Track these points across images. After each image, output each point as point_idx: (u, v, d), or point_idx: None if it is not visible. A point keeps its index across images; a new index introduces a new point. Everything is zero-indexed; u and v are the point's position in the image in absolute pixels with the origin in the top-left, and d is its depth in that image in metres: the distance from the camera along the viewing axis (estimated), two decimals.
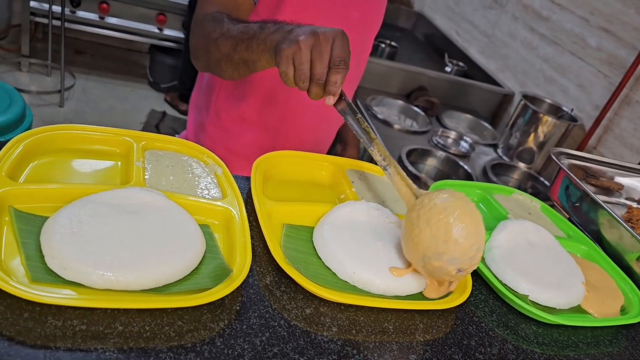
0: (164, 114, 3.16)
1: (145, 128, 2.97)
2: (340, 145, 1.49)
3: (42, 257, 0.55)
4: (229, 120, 1.13)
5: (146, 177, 0.69)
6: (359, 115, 0.72)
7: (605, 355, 0.70)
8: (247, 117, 1.12)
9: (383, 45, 2.38)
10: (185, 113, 3.17)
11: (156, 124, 3.03)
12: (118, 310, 0.53)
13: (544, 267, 0.76)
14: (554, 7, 2.10)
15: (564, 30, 2.05)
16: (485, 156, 1.93)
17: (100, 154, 0.73)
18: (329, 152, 1.91)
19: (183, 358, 0.51)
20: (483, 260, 0.77)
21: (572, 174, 0.91)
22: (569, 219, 0.94)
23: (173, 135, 0.80)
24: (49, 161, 0.69)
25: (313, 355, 0.55)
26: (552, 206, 1.02)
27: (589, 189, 1.03)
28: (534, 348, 0.66)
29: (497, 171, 1.86)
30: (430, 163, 1.86)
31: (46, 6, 2.83)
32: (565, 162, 1.03)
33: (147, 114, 3.11)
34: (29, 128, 2.00)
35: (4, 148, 0.65)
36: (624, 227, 0.81)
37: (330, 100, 0.71)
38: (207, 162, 0.76)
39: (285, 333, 0.57)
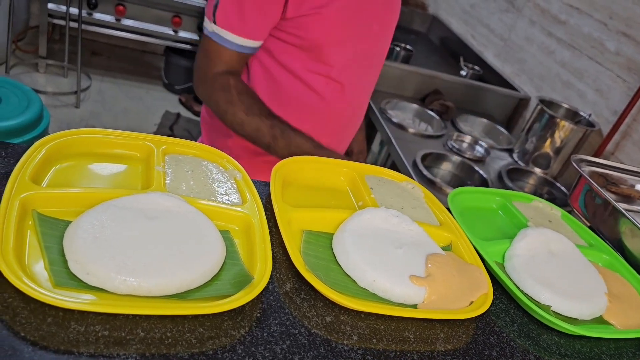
0: (178, 115, 3.18)
1: (160, 129, 2.99)
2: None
3: (65, 261, 0.55)
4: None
5: (167, 181, 0.70)
6: None
7: None
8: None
9: (398, 49, 2.38)
10: (199, 114, 3.19)
11: (170, 126, 3.05)
12: (140, 316, 0.53)
13: (566, 277, 0.75)
14: (572, 11, 2.08)
15: (581, 35, 2.02)
16: (501, 161, 1.92)
17: (120, 158, 0.73)
18: None
19: None
20: (503, 268, 0.76)
21: (593, 182, 0.90)
22: (590, 227, 0.93)
23: (187, 137, 0.81)
24: (71, 165, 0.69)
25: None
26: (570, 212, 1.01)
27: (610, 197, 1.01)
28: (556, 359, 0.65)
29: (512, 176, 1.84)
30: (445, 167, 1.85)
31: (64, 8, 2.87)
32: (585, 169, 1.02)
33: (162, 116, 3.13)
34: (46, 129, 2.03)
35: (27, 152, 0.65)
36: None
37: None
38: (226, 167, 0.76)
39: (305, 341, 0.56)
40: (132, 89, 3.31)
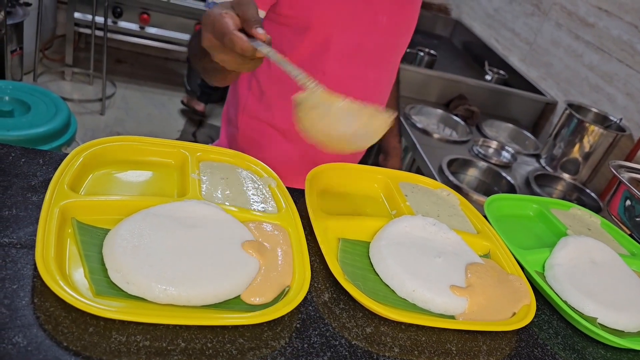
0: (201, 122, 3.20)
1: (183, 136, 3.01)
2: (382, 155, 1.47)
3: (105, 270, 0.55)
4: (258, 130, 1.12)
5: (202, 189, 0.69)
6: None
7: None
8: (277, 126, 1.11)
9: (421, 54, 2.36)
10: (201, 114, 3.17)
11: (193, 132, 3.06)
12: (180, 326, 0.53)
13: (610, 287, 0.73)
14: (601, 14, 2.04)
15: (610, 37, 1.98)
16: (528, 166, 1.88)
17: (155, 165, 0.73)
18: (369, 162, 1.86)
19: None
20: (544, 278, 0.74)
21: (634, 189, 0.87)
22: (631, 236, 0.90)
23: (209, 143, 0.80)
24: (107, 172, 0.69)
25: None
26: (606, 219, 0.98)
27: None
28: None
29: (540, 182, 1.80)
30: (472, 173, 1.82)
31: (89, 17, 2.91)
32: (625, 175, 0.99)
33: (185, 122, 3.15)
34: (74, 135, 2.05)
35: (65, 160, 0.65)
36: None
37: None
38: (261, 174, 0.76)
39: (347, 353, 0.55)
40: (156, 95, 3.34)
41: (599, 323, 0.68)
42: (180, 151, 0.74)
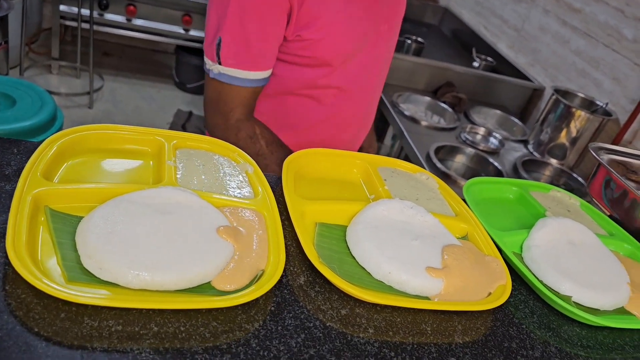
0: (190, 113, 3.18)
1: (172, 128, 3.00)
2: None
3: (78, 257, 0.55)
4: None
5: (178, 176, 0.69)
6: None
7: None
8: (285, 142, 1.12)
9: (409, 42, 2.35)
10: None
11: (183, 124, 3.05)
12: (153, 310, 0.53)
13: (587, 267, 0.73)
14: None
15: (597, 23, 1.99)
16: (515, 152, 1.89)
17: (132, 154, 0.73)
18: None
19: (219, 359, 0.50)
20: (522, 259, 0.74)
21: (612, 170, 0.87)
22: (610, 217, 0.91)
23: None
24: (82, 161, 0.69)
25: (350, 357, 0.54)
26: (589, 202, 0.98)
27: (630, 185, 0.99)
28: (578, 351, 0.64)
29: (528, 167, 1.81)
30: (459, 160, 1.83)
31: (75, 9, 2.89)
32: (604, 157, 0.99)
33: (174, 114, 3.14)
34: (60, 129, 2.04)
35: (39, 149, 0.65)
36: None
37: None
38: (238, 160, 0.76)
39: (320, 334, 0.56)
40: (144, 88, 3.32)
41: (574, 302, 0.69)
42: (156, 138, 0.74)
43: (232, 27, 0.91)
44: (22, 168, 0.64)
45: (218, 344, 0.51)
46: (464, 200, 0.82)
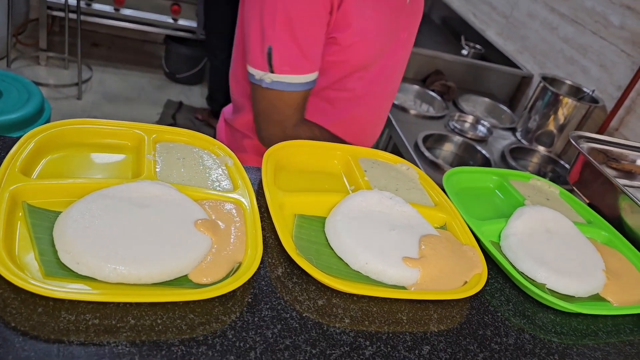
0: (181, 104, 3.17)
1: (162, 118, 2.99)
2: None
3: (56, 252, 0.55)
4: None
5: (157, 170, 0.69)
6: None
7: (626, 344, 0.68)
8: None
9: None
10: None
11: (173, 114, 3.04)
12: (130, 304, 0.53)
13: (563, 255, 0.75)
14: None
15: (585, 9, 1.99)
16: (504, 140, 1.90)
17: (111, 148, 0.73)
18: None
19: (195, 351, 0.51)
20: (499, 248, 0.76)
21: (591, 158, 0.88)
22: (589, 204, 0.92)
23: (189, 126, 0.81)
24: (61, 156, 0.69)
25: (325, 347, 0.55)
26: (572, 191, 1.00)
27: (610, 173, 1.00)
28: (552, 337, 0.65)
29: (515, 155, 1.82)
30: (447, 148, 1.84)
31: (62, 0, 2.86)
32: (584, 145, 1.00)
33: (164, 104, 3.13)
34: (48, 121, 2.03)
35: (17, 144, 0.65)
36: None
37: None
38: (218, 153, 0.76)
39: (297, 325, 0.57)
40: (134, 78, 3.31)
41: (549, 289, 0.70)
42: (135, 132, 0.74)
43: (282, 34, 0.90)
44: (1, 163, 0.64)
45: (194, 336, 0.52)
46: (444, 190, 0.83)
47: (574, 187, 0.96)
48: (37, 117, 1.97)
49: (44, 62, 3.10)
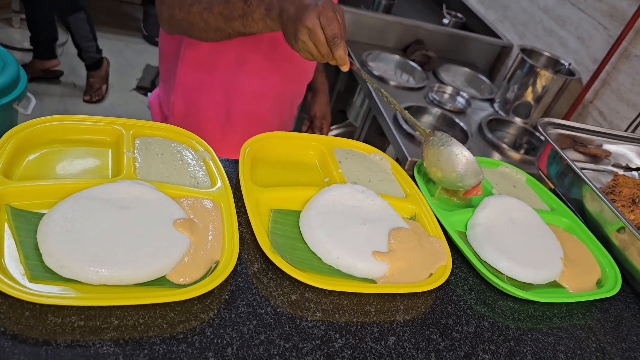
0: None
1: (140, 84, 2.95)
2: (311, 93, 1.48)
3: (40, 255, 0.58)
4: (193, 89, 1.12)
5: (137, 166, 0.71)
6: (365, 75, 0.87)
7: (578, 328, 0.74)
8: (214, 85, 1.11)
9: None
10: (57, 74, 2.79)
11: (152, 80, 3.00)
12: (114, 305, 0.57)
13: (524, 244, 0.79)
14: None
15: None
16: (482, 111, 1.93)
17: (91, 143, 0.75)
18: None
19: (175, 349, 0.55)
20: (466, 237, 0.80)
21: (557, 146, 0.92)
22: (553, 191, 0.96)
23: None
24: (42, 154, 0.71)
25: (297, 340, 0.59)
26: (539, 177, 1.03)
27: (577, 157, 1.04)
28: (509, 324, 0.70)
29: (492, 127, 1.86)
30: (426, 120, 1.86)
31: None
32: (552, 132, 1.04)
33: (143, 69, 3.08)
34: (25, 90, 2.00)
35: None
36: (605, 201, 0.84)
37: (345, 68, 0.85)
38: (196, 148, 0.78)
39: (271, 320, 0.61)
40: (111, 42, 3.23)
41: (509, 277, 0.75)
42: (114, 128, 0.75)
43: None
44: None
45: (175, 334, 0.56)
46: (414, 181, 0.86)
47: (541, 173, 1.00)
48: (13, 86, 1.93)
49: (17, 25, 3.01)
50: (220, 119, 1.16)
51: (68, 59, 2.95)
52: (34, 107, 1.84)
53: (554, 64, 1.95)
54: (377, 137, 1.99)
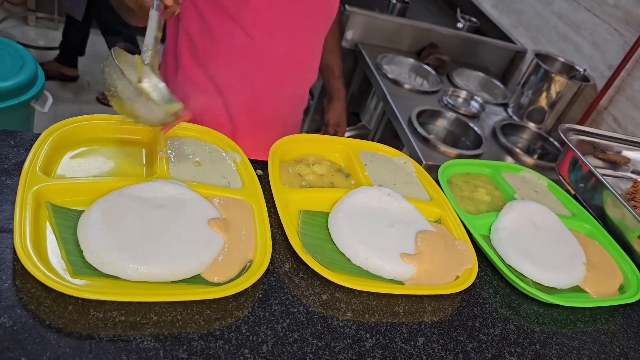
0: None
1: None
2: (327, 99, 1.48)
3: (81, 251, 0.59)
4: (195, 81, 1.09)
5: (170, 167, 0.73)
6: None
7: (601, 332, 0.75)
8: (215, 78, 1.09)
9: (394, 1, 2.33)
10: (74, 79, 2.85)
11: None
12: (153, 301, 0.58)
13: (547, 248, 0.80)
14: None
15: None
16: (495, 116, 1.94)
17: (125, 142, 0.76)
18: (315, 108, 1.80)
19: (213, 345, 0.56)
20: (489, 241, 0.81)
21: (579, 152, 0.93)
22: (575, 196, 0.97)
23: None
24: (78, 153, 0.72)
25: (330, 339, 0.60)
26: (559, 181, 1.04)
27: (597, 163, 1.05)
28: (534, 327, 0.71)
29: (506, 132, 1.87)
30: (440, 124, 1.87)
31: None
32: (573, 138, 1.05)
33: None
34: (42, 88, 2.02)
35: (35, 144, 0.68)
36: (627, 208, 0.85)
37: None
38: (226, 149, 0.80)
39: (304, 319, 0.62)
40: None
41: (534, 282, 0.76)
42: (147, 127, 0.77)
43: None
44: (21, 161, 0.67)
45: (212, 331, 0.57)
46: (438, 183, 0.87)
47: (562, 178, 1.01)
48: (31, 84, 1.95)
49: (32, 23, 3.04)
50: (224, 123, 1.14)
51: (83, 57, 2.97)
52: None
53: (568, 70, 1.95)
54: (390, 140, 2.01)
